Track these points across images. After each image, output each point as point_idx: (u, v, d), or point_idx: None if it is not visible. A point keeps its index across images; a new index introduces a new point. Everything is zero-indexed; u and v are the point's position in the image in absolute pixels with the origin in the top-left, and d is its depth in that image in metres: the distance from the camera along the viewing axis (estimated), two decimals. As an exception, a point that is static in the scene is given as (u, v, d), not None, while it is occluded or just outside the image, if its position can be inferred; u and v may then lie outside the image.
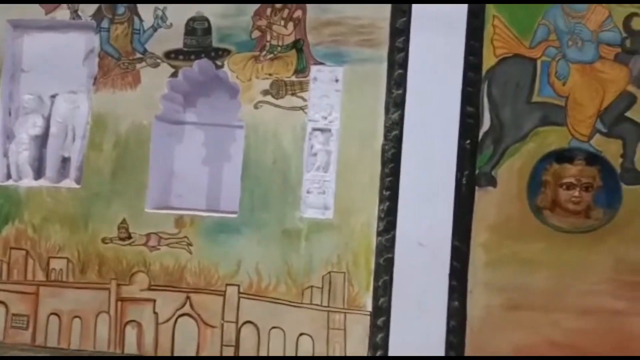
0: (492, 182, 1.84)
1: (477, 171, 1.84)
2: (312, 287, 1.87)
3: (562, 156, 1.81)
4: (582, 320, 1.76)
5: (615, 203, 1.78)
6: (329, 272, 1.86)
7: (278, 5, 1.94)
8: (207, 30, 1.97)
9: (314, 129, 1.91)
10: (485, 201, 1.83)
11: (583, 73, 1.82)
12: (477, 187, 1.83)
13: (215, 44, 1.97)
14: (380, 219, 1.85)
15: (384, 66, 1.88)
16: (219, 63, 1.96)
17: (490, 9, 1.85)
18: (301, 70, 1.93)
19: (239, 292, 1.89)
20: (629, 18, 1.80)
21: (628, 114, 1.79)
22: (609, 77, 1.81)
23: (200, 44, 1.97)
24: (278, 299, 1.88)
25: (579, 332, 1.76)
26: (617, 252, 1.77)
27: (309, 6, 1.92)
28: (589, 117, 1.81)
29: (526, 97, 1.84)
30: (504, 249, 1.82)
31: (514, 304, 1.80)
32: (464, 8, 1.81)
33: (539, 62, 1.84)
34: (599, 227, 1.79)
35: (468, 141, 1.83)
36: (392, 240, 1.83)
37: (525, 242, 1.81)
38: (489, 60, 1.85)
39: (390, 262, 1.83)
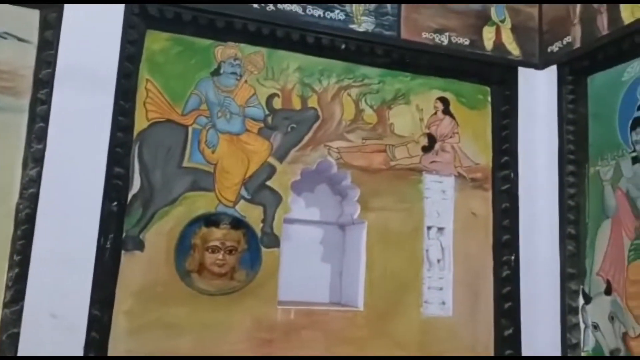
0: (140, 246, 1.79)
1: (124, 235, 1.78)
2: None
3: (210, 220, 1.88)
4: (223, 381, 1.81)
5: (256, 265, 1.92)
6: None
7: None
8: None
9: None
10: (131, 266, 1.77)
11: (231, 143, 1.95)
12: (123, 252, 1.77)
13: None
14: (7, 287, 1.63)
15: (25, 117, 1.72)
16: None
17: (144, 73, 1.86)
18: None
19: None
20: (271, 97, 2.02)
21: (269, 182, 1.97)
22: (253, 148, 1.98)
23: None
24: None
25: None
26: (254, 311, 1.88)
27: None
28: (235, 184, 1.93)
29: (177, 161, 1.88)
30: (149, 315, 1.77)
31: (157, 371, 1.75)
32: (114, 68, 1.78)
33: (190, 129, 1.91)
34: (241, 289, 1.89)
35: (115, 203, 1.76)
36: (20, 313, 1.61)
37: (170, 307, 1.79)
38: (141, 123, 1.85)
39: (15, 338, 1.60)
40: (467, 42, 2.23)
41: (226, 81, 1.97)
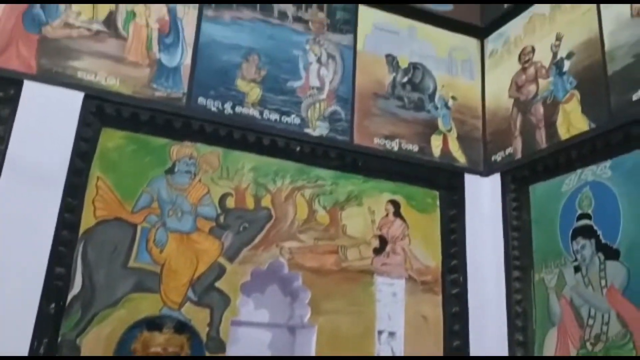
0: (75, 351, 1.69)
1: (59, 339, 1.67)
2: None
3: (153, 324, 1.80)
4: None
5: (198, 371, 1.82)
6: None
7: None
8: None
9: None
10: (64, 374, 1.66)
11: (180, 242, 1.92)
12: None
13: None
14: None
15: (-35, 212, 1.65)
16: None
17: (95, 170, 1.85)
18: None
19: None
20: (224, 197, 2.02)
21: (217, 283, 1.92)
22: (204, 247, 1.95)
23: None
24: None
25: None
26: None
27: None
28: (182, 285, 1.88)
29: (122, 261, 1.82)
30: None
31: None
32: (65, 164, 1.76)
33: (139, 228, 1.87)
34: (181, 398, 1.78)
35: (53, 305, 1.67)
36: None
37: (104, 420, 1.67)
38: (88, 221, 1.80)
39: None
40: (416, 149, 2.33)
41: (180, 179, 1.97)
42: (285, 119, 2.15)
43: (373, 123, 2.29)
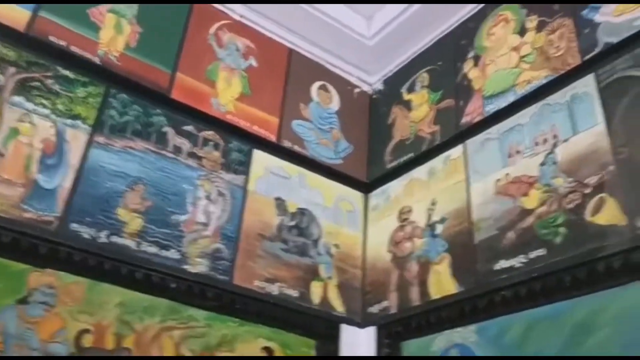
0: None
1: None
2: None
3: None
4: None
5: None
6: None
7: None
8: None
9: None
10: None
11: (20, 384, 1.69)
12: None
13: None
14: None
15: None
16: None
17: None
18: None
19: None
20: (81, 333, 1.84)
21: None
22: (47, 392, 1.72)
23: None
24: None
25: None
26: None
27: None
28: None
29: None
30: None
31: None
32: None
33: (-27, 366, 1.64)
34: None
35: None
36: None
37: None
38: None
39: None
40: (296, 294, 2.32)
41: (33, 311, 1.78)
42: (164, 252, 2.07)
43: (256, 264, 2.27)
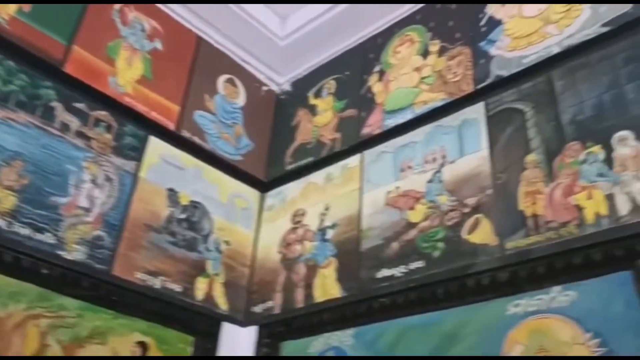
0: None
1: None
2: None
3: None
4: None
5: None
6: None
7: None
8: None
9: None
10: None
11: None
12: None
13: None
14: None
15: None
16: None
17: None
18: None
19: None
20: None
21: None
22: None
23: None
24: None
25: None
26: None
27: None
28: None
29: None
30: None
31: None
32: None
33: None
34: None
35: None
36: None
37: None
38: None
39: None
40: (179, 289, 2.26)
41: None
42: (38, 235, 1.93)
43: (139, 256, 2.18)
